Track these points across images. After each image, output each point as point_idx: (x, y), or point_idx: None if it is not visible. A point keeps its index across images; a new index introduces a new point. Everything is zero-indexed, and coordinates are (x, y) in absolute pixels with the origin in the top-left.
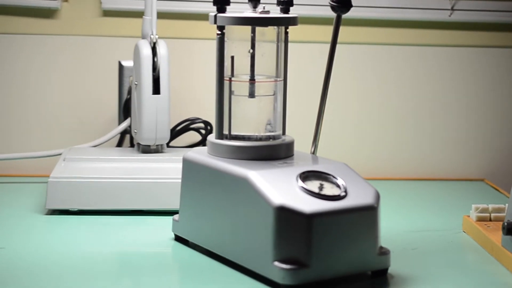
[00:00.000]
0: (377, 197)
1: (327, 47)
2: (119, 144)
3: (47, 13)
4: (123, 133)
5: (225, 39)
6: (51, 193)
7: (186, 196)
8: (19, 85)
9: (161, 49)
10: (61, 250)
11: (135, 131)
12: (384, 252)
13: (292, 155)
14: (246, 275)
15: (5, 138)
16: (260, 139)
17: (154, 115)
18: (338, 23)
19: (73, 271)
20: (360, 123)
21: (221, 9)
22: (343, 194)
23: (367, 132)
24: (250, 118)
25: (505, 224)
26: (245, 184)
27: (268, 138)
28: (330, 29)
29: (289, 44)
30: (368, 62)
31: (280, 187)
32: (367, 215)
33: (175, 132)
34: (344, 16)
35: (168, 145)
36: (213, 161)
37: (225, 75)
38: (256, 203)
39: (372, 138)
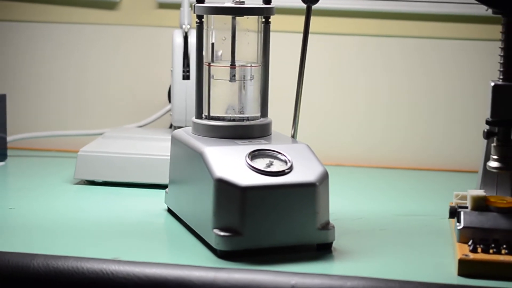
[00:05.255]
0: (323, 176)
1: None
2: (171, 125)
3: (109, 5)
4: None
5: (205, 27)
6: (79, 165)
7: (172, 170)
8: (84, 70)
9: (192, 38)
10: (74, 215)
11: (171, 113)
12: (327, 228)
13: (267, 135)
14: (200, 242)
15: (69, 117)
16: (233, 119)
17: (184, 99)
18: (308, 14)
19: (76, 233)
20: (390, 114)
21: (200, 0)
22: (287, 171)
23: (397, 123)
24: (225, 100)
25: (450, 207)
26: (200, 158)
27: (242, 119)
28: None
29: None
30: (399, 55)
31: (228, 163)
32: (306, 191)
33: None
34: (381, 10)
35: None
36: (189, 138)
37: (206, 60)
38: (205, 176)
39: (402, 130)
